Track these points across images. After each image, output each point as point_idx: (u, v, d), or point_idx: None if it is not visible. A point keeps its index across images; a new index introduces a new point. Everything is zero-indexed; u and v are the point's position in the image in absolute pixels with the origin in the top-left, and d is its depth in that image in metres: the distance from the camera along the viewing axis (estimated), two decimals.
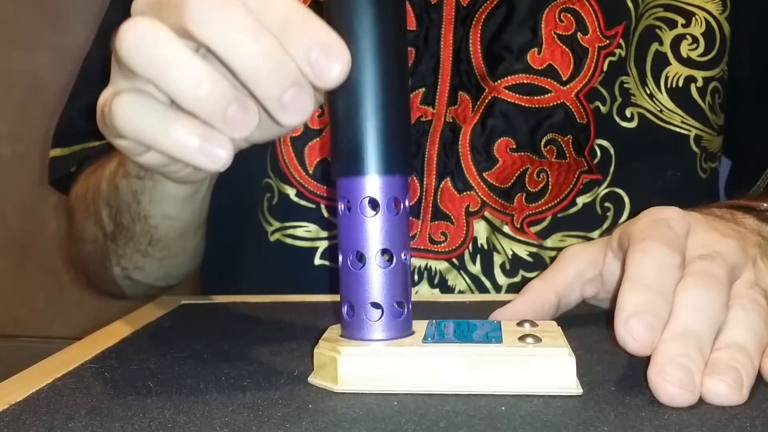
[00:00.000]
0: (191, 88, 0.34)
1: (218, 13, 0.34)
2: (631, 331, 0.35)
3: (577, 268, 0.46)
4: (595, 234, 0.63)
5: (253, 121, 0.35)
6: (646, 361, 0.35)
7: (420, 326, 0.39)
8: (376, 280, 0.37)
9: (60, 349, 0.45)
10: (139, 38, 0.35)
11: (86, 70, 0.76)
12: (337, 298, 0.39)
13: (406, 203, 0.37)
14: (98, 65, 0.74)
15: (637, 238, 0.40)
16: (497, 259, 0.62)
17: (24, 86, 1.37)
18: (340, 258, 0.38)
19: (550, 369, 0.35)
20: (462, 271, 0.62)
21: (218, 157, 0.36)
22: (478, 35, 0.63)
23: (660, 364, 0.34)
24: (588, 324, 0.48)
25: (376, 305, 0.37)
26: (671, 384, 0.33)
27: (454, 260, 0.62)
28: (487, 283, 0.62)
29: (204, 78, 0.34)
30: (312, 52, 0.33)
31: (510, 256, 0.62)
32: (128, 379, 0.39)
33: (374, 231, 0.37)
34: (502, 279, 0.62)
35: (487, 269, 0.62)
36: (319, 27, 0.34)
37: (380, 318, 0.37)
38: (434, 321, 0.40)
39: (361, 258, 0.37)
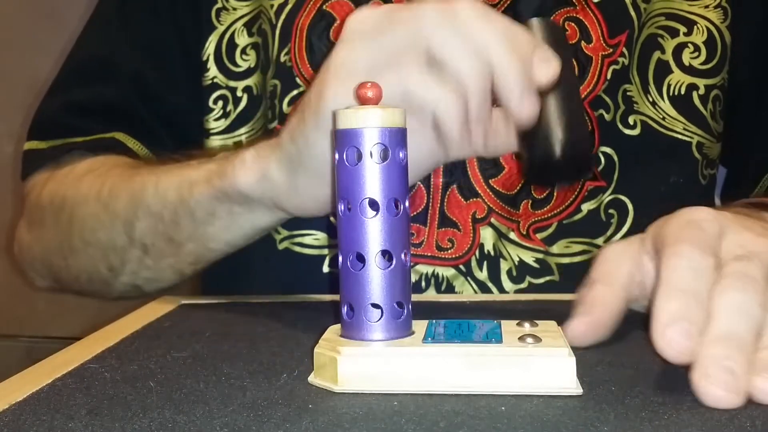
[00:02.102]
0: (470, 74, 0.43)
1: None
2: (670, 340, 0.35)
3: (630, 270, 0.45)
4: (600, 240, 0.63)
5: None
6: (647, 361, 0.35)
7: (420, 326, 0.39)
8: (375, 280, 0.37)
9: (60, 349, 0.45)
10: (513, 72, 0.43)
11: (74, 64, 0.74)
12: (337, 297, 0.39)
13: (406, 204, 0.37)
14: (88, 61, 0.73)
15: (670, 242, 0.40)
16: (504, 266, 0.62)
17: (24, 86, 1.37)
18: (340, 258, 0.38)
19: (550, 369, 0.35)
20: (469, 278, 0.62)
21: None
22: None
23: (704, 367, 0.34)
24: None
25: (375, 306, 0.37)
26: (717, 387, 0.33)
27: (461, 267, 0.62)
28: (494, 290, 0.62)
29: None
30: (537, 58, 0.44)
31: (516, 263, 0.62)
32: (128, 379, 0.39)
33: (374, 232, 0.37)
34: (508, 285, 0.62)
35: (494, 275, 0.62)
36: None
37: (380, 318, 0.37)
38: (434, 321, 0.40)
39: (360, 259, 0.37)
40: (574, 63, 0.60)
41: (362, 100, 0.37)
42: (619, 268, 0.45)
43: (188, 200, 0.55)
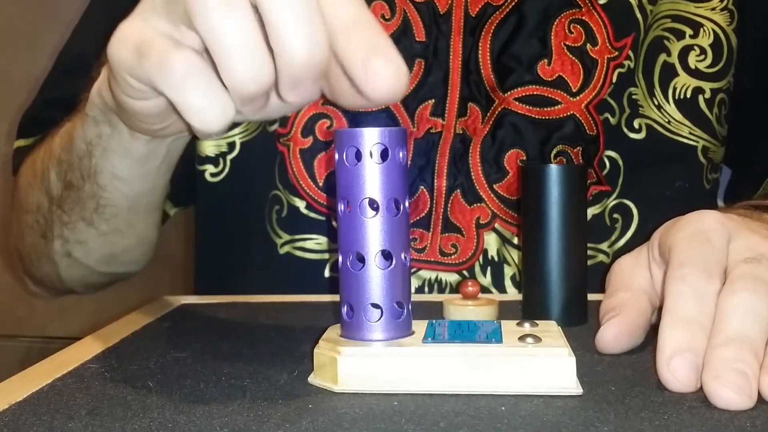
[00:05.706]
0: (244, 79, 0.35)
1: None
2: (675, 372, 0.35)
3: (646, 277, 0.45)
4: (605, 245, 0.63)
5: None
6: (647, 361, 0.35)
7: (420, 326, 0.39)
8: (375, 280, 0.37)
9: (60, 349, 0.45)
10: (222, 16, 0.34)
11: (60, 64, 0.75)
12: (337, 298, 0.39)
13: (406, 204, 0.37)
14: (73, 60, 0.73)
15: (675, 261, 0.40)
16: (508, 271, 0.62)
17: (24, 86, 1.37)
18: (340, 258, 0.38)
19: (550, 369, 0.35)
20: None
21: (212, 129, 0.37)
22: (488, 46, 0.62)
23: (715, 369, 0.34)
24: (588, 324, 0.48)
25: (375, 306, 0.37)
26: (729, 389, 0.33)
27: (465, 272, 0.62)
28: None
29: (257, 75, 0.35)
30: (374, 57, 0.35)
31: (520, 268, 0.62)
32: (128, 379, 0.39)
33: (374, 232, 0.37)
34: (512, 291, 0.62)
35: (498, 281, 0.62)
36: (390, 42, 0.36)
37: (380, 318, 0.37)
38: (434, 321, 0.40)
39: (360, 258, 0.37)
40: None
41: (465, 296, 0.49)
42: (634, 276, 0.45)
43: (73, 135, 0.55)
